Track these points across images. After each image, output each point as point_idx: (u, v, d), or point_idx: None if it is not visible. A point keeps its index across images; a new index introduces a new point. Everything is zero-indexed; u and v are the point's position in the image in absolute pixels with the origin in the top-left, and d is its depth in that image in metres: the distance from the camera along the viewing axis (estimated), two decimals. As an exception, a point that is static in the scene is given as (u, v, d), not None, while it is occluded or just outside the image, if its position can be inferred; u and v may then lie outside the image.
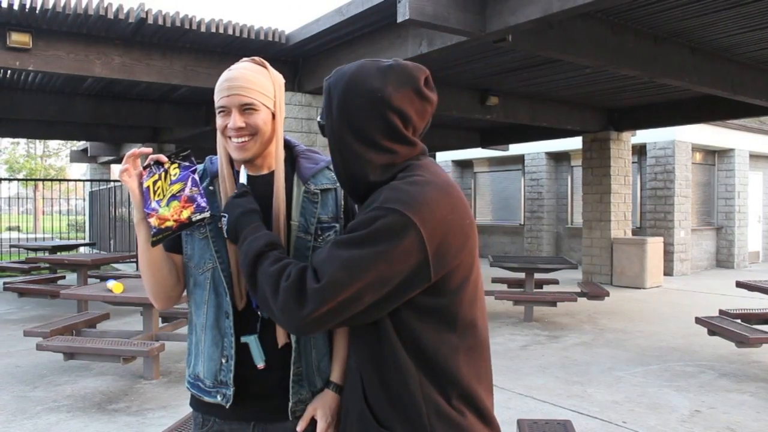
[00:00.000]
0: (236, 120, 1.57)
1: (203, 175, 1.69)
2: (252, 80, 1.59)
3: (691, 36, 7.33)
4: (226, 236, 1.56)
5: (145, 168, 1.55)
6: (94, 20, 6.53)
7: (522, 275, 9.05)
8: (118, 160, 18.75)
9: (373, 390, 1.40)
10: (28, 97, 10.12)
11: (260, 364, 1.61)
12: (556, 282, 9.83)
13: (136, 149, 1.57)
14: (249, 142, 1.60)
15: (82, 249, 16.68)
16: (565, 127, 11.96)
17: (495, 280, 9.70)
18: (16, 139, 37.64)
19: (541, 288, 9.57)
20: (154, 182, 1.54)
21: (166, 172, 1.55)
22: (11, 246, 13.98)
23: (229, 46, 7.56)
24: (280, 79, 1.68)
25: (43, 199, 32.70)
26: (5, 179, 16.35)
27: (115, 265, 15.23)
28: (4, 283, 9.16)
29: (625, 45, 6.92)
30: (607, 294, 8.42)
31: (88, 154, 18.31)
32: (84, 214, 23.29)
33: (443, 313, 1.37)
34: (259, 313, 1.62)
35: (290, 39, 7.46)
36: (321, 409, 1.65)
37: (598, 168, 12.78)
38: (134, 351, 5.19)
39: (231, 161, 1.69)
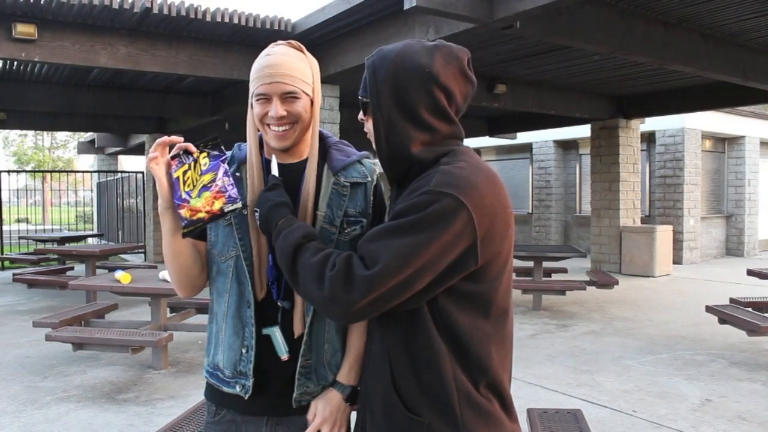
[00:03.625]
0: (278, 109, 1.53)
1: (230, 162, 1.65)
2: (293, 67, 1.55)
3: (702, 21, 7.24)
4: (260, 230, 1.53)
5: (173, 158, 1.51)
6: (99, 10, 6.51)
7: (530, 264, 9.01)
8: (126, 152, 18.78)
9: (402, 375, 1.38)
10: (35, 88, 10.12)
11: (284, 356, 1.58)
12: (564, 270, 9.79)
13: (166, 137, 1.52)
14: (289, 130, 1.57)
15: (90, 240, 16.75)
16: (573, 114, 11.88)
17: (503, 269, 9.65)
18: (23, 131, 37.78)
19: (550, 277, 9.54)
20: (184, 172, 1.50)
21: (196, 161, 1.51)
22: (20, 237, 14.02)
23: (235, 35, 7.53)
24: (316, 64, 1.65)
25: (51, 190, 32.88)
26: (13, 171, 16.40)
27: (123, 256, 15.29)
28: (14, 275, 9.19)
29: (634, 31, 6.84)
30: (616, 282, 8.37)
31: (96, 146, 18.34)
32: (92, 206, 23.38)
33: (480, 300, 1.37)
34: (279, 303, 1.60)
35: (296, 28, 7.42)
36: (320, 404, 1.62)
37: (607, 156, 12.69)
38: (143, 341, 5.20)
39: (261, 147, 1.66)
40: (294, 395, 1.61)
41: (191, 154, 1.52)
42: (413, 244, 1.27)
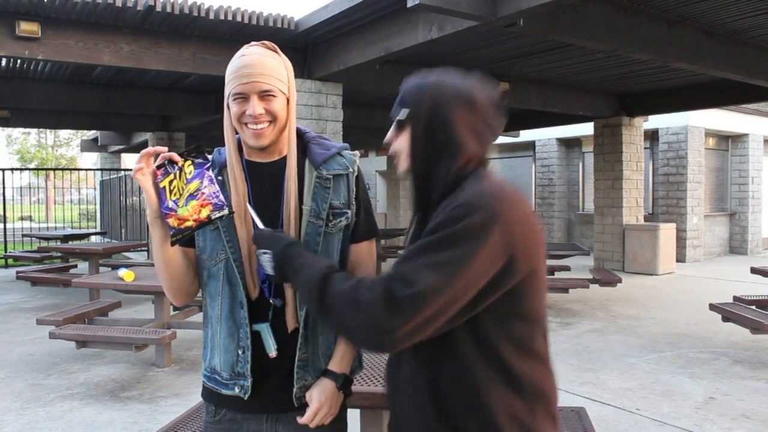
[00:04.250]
0: (256, 107, 1.56)
1: (212, 167, 1.65)
2: (269, 66, 1.58)
3: (705, 19, 7.22)
4: (272, 274, 1.53)
5: (159, 168, 1.52)
6: (102, 8, 6.51)
7: (533, 262, 8.98)
8: (129, 149, 18.80)
9: (444, 403, 1.34)
10: (38, 86, 10.14)
11: (272, 353, 1.60)
12: (567, 268, 9.76)
13: (150, 148, 1.54)
14: (267, 128, 1.59)
15: (93, 238, 16.78)
16: (576, 112, 11.86)
17: (506, 267, 9.64)
18: (27, 129, 37.85)
19: (553, 275, 9.52)
20: (170, 182, 1.51)
21: (181, 170, 1.52)
22: (23, 235, 14.06)
23: (238, 33, 7.52)
24: (290, 64, 1.68)
25: (55, 188, 32.93)
26: (17, 169, 16.42)
27: (127, 254, 15.31)
28: (17, 272, 9.22)
29: (637, 29, 6.83)
30: (620, 280, 8.36)
31: (99, 144, 18.36)
32: (95, 203, 23.41)
33: (524, 319, 1.34)
34: (271, 301, 1.61)
35: (299, 25, 7.42)
36: (315, 392, 1.63)
37: (610, 154, 12.67)
38: (146, 339, 5.21)
39: (240, 149, 1.68)
40: (294, 390, 1.62)
41: (176, 163, 1.53)
42: (454, 259, 1.23)
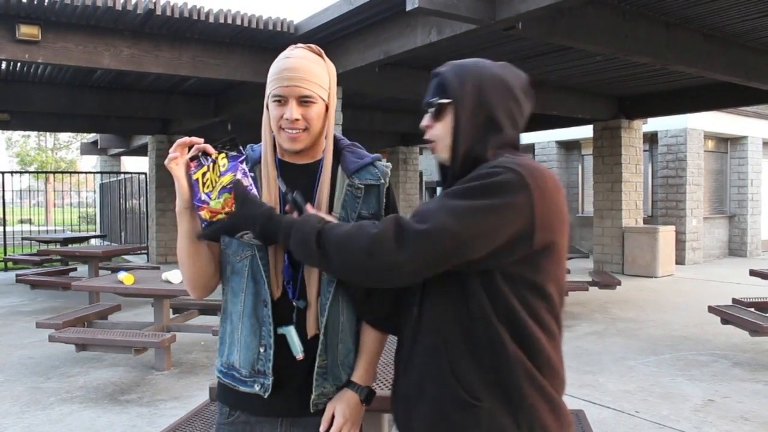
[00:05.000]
0: (293, 112, 1.55)
1: (245, 161, 1.65)
2: (311, 71, 1.57)
3: (704, 22, 7.23)
4: (260, 240, 1.52)
5: (192, 159, 1.52)
6: (102, 12, 6.52)
7: (533, 265, 8.99)
8: (129, 153, 18.82)
9: (461, 362, 1.36)
10: (39, 89, 10.15)
11: (299, 355, 1.58)
12: (567, 271, 9.75)
13: (186, 138, 1.54)
14: (302, 133, 1.58)
15: (93, 241, 16.76)
16: (575, 115, 11.87)
17: (505, 270, 9.64)
18: (27, 132, 37.83)
19: (552, 277, 9.51)
20: (203, 174, 1.51)
21: (215, 162, 1.52)
22: (23, 238, 14.07)
23: (238, 36, 7.54)
24: (334, 70, 1.68)
25: (54, 191, 32.93)
26: (17, 172, 16.44)
27: (126, 257, 15.31)
28: (17, 275, 9.22)
29: (636, 31, 6.84)
30: (619, 283, 8.37)
31: (99, 147, 18.38)
32: (95, 207, 23.42)
33: (538, 290, 1.37)
34: (294, 303, 1.60)
35: (299, 29, 7.43)
36: (339, 405, 1.63)
37: (609, 156, 12.68)
38: (146, 342, 5.21)
39: (275, 147, 1.67)
40: (312, 397, 1.61)
41: (210, 155, 1.52)
42: (472, 207, 1.27)
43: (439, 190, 1.52)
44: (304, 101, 1.56)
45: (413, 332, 1.47)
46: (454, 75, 1.47)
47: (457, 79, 1.46)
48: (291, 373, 1.61)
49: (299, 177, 1.64)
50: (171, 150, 1.52)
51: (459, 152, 1.45)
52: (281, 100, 1.57)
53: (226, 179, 1.50)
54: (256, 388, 1.60)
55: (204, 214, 1.49)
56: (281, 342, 1.60)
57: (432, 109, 1.49)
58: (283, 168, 1.66)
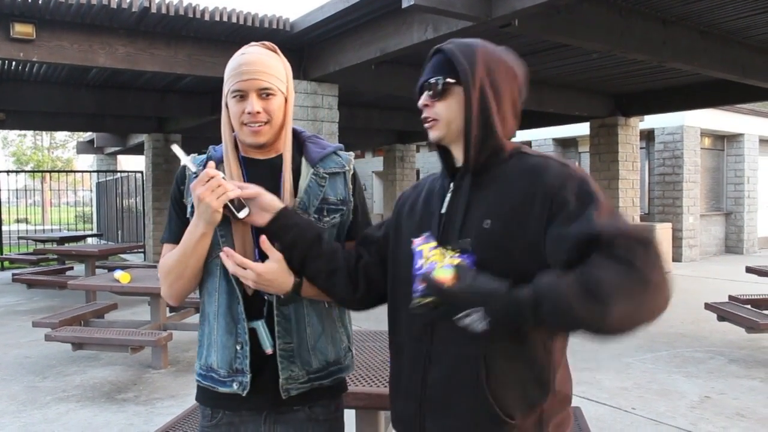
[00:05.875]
0: (254, 104, 1.56)
1: (206, 163, 1.65)
2: (268, 64, 1.60)
3: (700, 19, 7.23)
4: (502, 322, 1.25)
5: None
6: (97, 10, 6.50)
7: (530, 262, 8.99)
8: (125, 151, 18.77)
9: (497, 375, 1.32)
10: (34, 88, 10.12)
11: (269, 350, 1.59)
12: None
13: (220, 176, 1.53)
14: (264, 126, 1.59)
15: (89, 240, 16.74)
16: (572, 113, 11.87)
17: (502, 268, 9.64)
18: (22, 131, 37.76)
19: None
20: (429, 248, 1.34)
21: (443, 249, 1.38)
22: (19, 238, 14.03)
23: (234, 34, 7.52)
24: (289, 65, 1.69)
25: (51, 190, 32.82)
26: (13, 171, 16.39)
27: (123, 256, 15.29)
28: (13, 275, 9.20)
29: (633, 29, 6.84)
30: (616, 280, 8.36)
31: (95, 145, 18.34)
32: (91, 206, 23.38)
33: None
34: (266, 297, 1.61)
35: (295, 26, 7.42)
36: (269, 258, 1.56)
37: (606, 154, 12.68)
38: (142, 341, 5.20)
39: (236, 145, 1.68)
40: (280, 381, 1.59)
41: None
42: (621, 215, 1.27)
43: (450, 184, 1.46)
44: (264, 94, 1.58)
45: (429, 329, 1.40)
46: (462, 55, 1.41)
47: (466, 59, 1.40)
48: (267, 366, 1.61)
49: (263, 172, 1.65)
50: (213, 185, 1.50)
51: (473, 140, 1.39)
52: (241, 95, 1.58)
53: (454, 261, 1.31)
54: (235, 387, 1.60)
55: (422, 284, 1.30)
56: (255, 337, 1.60)
57: (437, 88, 1.43)
58: (247, 165, 1.66)
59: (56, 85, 10.24)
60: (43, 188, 35.54)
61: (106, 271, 9.57)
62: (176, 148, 1.61)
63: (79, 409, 4.65)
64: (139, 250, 14.85)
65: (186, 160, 1.61)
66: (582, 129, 14.17)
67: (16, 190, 19.98)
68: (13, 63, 8.71)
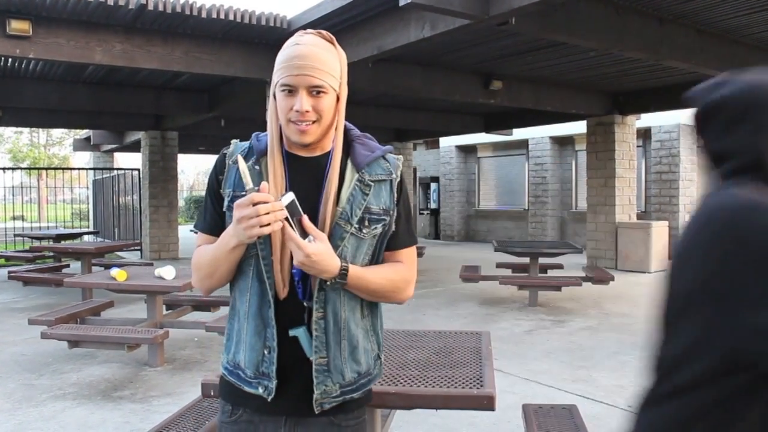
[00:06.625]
0: (303, 103, 1.46)
1: (248, 153, 1.58)
2: (322, 59, 1.48)
3: (697, 17, 7.25)
4: None
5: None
6: (94, 7, 6.49)
7: (526, 260, 9.03)
8: (122, 149, 18.74)
9: None
10: (30, 85, 10.10)
11: (312, 357, 1.54)
12: (560, 267, 9.80)
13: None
14: (312, 126, 1.50)
15: (86, 237, 16.70)
16: (569, 111, 11.89)
17: (499, 265, 9.68)
18: (19, 129, 37.64)
19: (546, 273, 9.55)
20: None
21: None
22: (16, 235, 13.99)
23: (231, 31, 7.51)
24: (345, 57, 1.58)
25: (47, 188, 32.77)
26: (9, 168, 16.35)
27: (119, 253, 15.24)
28: (9, 272, 9.18)
29: (629, 27, 6.85)
30: (612, 278, 8.39)
31: (91, 143, 18.31)
32: (88, 203, 23.34)
33: None
34: (305, 303, 1.55)
35: (292, 24, 7.41)
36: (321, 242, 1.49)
37: (603, 152, 12.71)
38: (139, 338, 5.19)
39: (281, 139, 1.59)
40: (314, 396, 1.54)
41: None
42: None
43: None
44: (314, 92, 1.47)
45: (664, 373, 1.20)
46: (746, 102, 1.18)
47: (755, 108, 1.17)
48: (296, 374, 1.55)
49: (307, 170, 1.56)
50: (251, 214, 1.39)
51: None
52: (290, 90, 1.48)
53: None
54: (260, 390, 1.56)
55: None
56: (287, 343, 1.54)
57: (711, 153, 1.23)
58: (290, 160, 1.57)
59: (53, 82, 10.22)
60: (39, 185, 35.44)
61: (102, 268, 9.55)
62: (241, 162, 1.47)
63: (75, 407, 4.64)
64: (136, 247, 14.81)
65: (245, 175, 1.45)
66: (579, 127, 14.19)
67: (12, 187, 19.94)
68: (10, 60, 8.70)
